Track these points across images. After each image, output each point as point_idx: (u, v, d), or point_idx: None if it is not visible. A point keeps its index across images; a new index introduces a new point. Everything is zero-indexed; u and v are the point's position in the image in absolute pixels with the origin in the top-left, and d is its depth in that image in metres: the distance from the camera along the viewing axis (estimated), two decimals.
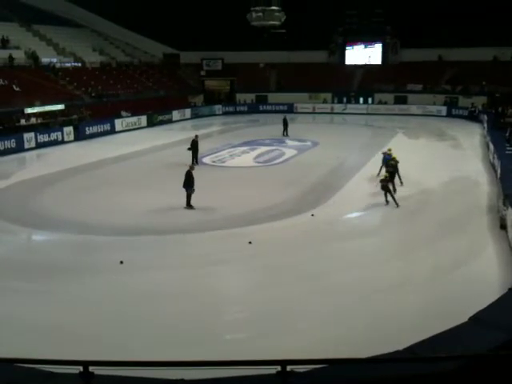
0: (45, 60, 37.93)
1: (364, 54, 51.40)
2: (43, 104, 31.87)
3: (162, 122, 40.22)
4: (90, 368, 4.57)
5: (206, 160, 23.59)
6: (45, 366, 5.12)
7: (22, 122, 30.21)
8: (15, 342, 8.02)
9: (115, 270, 11.42)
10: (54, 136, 30.35)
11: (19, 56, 36.16)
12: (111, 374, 4.85)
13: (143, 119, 38.49)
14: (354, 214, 16.35)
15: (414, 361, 5.00)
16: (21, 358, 5.13)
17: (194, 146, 22.89)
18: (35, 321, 9.13)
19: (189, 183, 16.21)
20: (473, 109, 41.53)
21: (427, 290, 10.23)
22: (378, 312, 9.26)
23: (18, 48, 36.82)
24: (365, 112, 46.56)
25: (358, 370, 4.79)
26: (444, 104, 45.07)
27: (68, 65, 39.84)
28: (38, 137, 29.18)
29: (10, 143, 27.33)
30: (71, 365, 4.65)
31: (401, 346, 5.62)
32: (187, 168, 16.63)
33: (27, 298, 10.10)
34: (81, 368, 4.56)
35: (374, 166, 22.74)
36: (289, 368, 4.43)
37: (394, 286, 10.37)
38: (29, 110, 30.83)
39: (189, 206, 16.27)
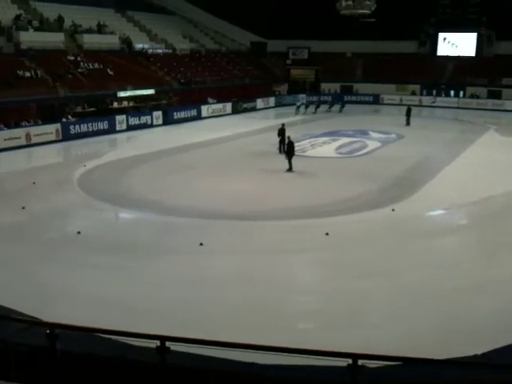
0: (138, 46, 39.36)
1: (457, 46, 49.23)
2: (135, 88, 33.12)
3: (246, 110, 40.72)
4: (167, 343, 4.77)
5: None
6: (123, 338, 5.37)
7: (115, 104, 31.65)
8: (91, 315, 8.16)
9: (194, 251, 11.74)
10: (143, 119, 31.60)
11: (114, 41, 37.71)
12: (186, 351, 5.02)
13: (228, 106, 39.15)
14: (437, 212, 15.80)
15: (491, 367, 4.82)
16: (101, 328, 5.42)
17: (281, 134, 23.09)
18: (112, 295, 9.54)
19: (290, 150, 19.56)
20: None
21: (509, 295, 9.74)
22: (453, 313, 8.90)
23: (113, 33, 38.39)
24: (455, 106, 44.59)
25: (430, 371, 4.69)
26: None
27: (159, 51, 41.08)
28: (129, 119, 30.53)
29: (103, 125, 28.81)
30: (149, 339, 4.86)
31: (475, 351, 5.41)
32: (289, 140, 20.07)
33: (106, 274, 10.55)
34: (158, 342, 4.75)
35: (462, 163, 21.83)
36: (360, 362, 4.41)
37: (472, 288, 9.95)
38: (121, 94, 32.13)
39: (290, 169, 19.43)
